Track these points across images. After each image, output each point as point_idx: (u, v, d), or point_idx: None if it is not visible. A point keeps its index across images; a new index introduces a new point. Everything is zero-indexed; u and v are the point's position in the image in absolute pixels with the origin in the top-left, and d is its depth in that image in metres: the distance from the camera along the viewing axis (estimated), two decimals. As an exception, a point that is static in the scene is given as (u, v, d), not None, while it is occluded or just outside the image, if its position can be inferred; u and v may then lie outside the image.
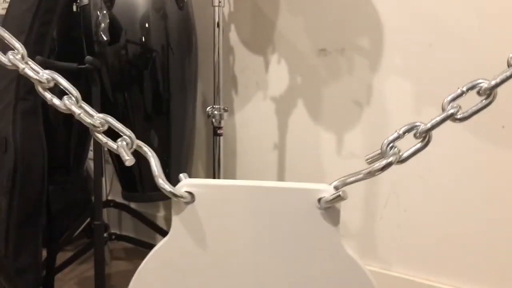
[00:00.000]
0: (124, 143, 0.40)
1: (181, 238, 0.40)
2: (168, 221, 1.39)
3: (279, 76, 1.14)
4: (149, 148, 0.41)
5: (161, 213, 1.43)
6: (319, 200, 0.39)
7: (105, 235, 1.26)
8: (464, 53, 0.92)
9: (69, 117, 1.24)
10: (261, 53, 1.16)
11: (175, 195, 0.39)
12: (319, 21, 1.07)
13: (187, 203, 0.40)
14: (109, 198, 1.35)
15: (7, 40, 0.38)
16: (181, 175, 0.41)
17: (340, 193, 0.37)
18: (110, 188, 1.44)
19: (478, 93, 0.37)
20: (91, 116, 0.40)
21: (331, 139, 1.10)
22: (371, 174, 0.38)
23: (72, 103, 0.39)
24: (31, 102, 1.00)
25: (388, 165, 0.37)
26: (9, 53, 0.38)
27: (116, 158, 1.19)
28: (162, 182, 0.39)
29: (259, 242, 0.40)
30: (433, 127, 0.37)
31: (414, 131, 0.38)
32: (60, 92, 0.52)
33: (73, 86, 0.39)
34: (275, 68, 1.14)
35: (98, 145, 1.00)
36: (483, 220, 0.95)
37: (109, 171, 1.47)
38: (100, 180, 0.98)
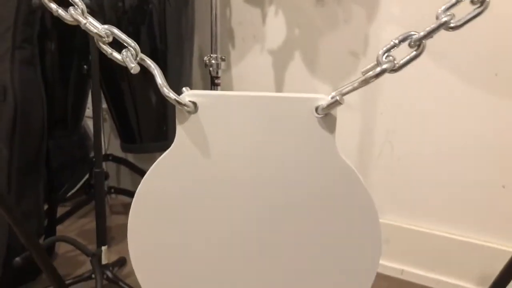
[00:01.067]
0: (129, 53, 0.41)
1: (185, 147, 0.42)
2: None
3: (277, 29, 1.14)
4: (151, 61, 0.42)
5: (159, 169, 1.44)
6: (317, 109, 0.41)
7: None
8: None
9: (66, 74, 1.23)
10: (258, 5, 1.15)
11: (180, 103, 0.40)
12: (316, -30, 1.07)
13: (191, 112, 0.41)
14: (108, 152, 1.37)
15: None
16: (183, 88, 0.43)
17: (337, 98, 0.39)
18: (108, 144, 1.45)
19: (472, 1, 0.38)
20: (96, 27, 0.41)
21: (327, 91, 1.11)
22: (365, 81, 0.40)
23: (78, 13, 0.40)
24: (28, 51, 1.00)
25: (383, 71, 0.39)
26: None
27: (115, 110, 1.20)
28: (167, 90, 0.40)
29: (259, 150, 0.42)
30: (427, 35, 0.38)
31: (409, 40, 0.40)
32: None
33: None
34: (272, 20, 1.14)
35: (97, 94, 1.01)
36: (475, 167, 0.98)
37: (107, 129, 1.48)
38: (100, 127, 0.99)
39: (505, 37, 0.90)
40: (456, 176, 1.00)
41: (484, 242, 0.99)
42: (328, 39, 1.08)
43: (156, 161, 0.43)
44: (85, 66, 1.19)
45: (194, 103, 0.41)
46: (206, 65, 1.02)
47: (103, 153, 1.35)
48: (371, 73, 0.39)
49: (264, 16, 1.15)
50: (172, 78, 1.16)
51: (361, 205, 0.42)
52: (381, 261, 1.09)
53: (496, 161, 0.96)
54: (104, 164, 1.35)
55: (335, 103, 0.39)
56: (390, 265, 1.09)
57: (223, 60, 1.02)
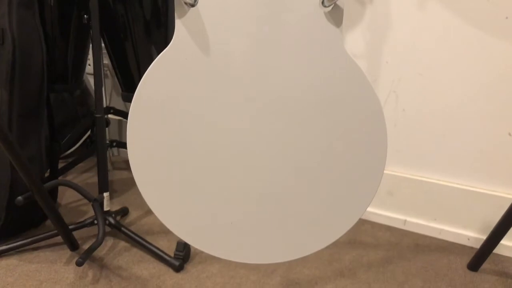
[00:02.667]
0: None
1: (185, 43, 0.41)
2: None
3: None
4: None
5: (161, 125, 1.44)
6: (323, 1, 0.39)
7: (106, 141, 1.28)
8: None
9: (66, 26, 1.21)
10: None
11: (178, -6, 0.39)
12: None
13: (189, 5, 0.40)
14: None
15: None
16: (184, -17, 0.41)
17: (344, -17, 0.37)
18: (110, 100, 1.44)
19: None
20: None
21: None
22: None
23: None
24: (26, -6, 0.98)
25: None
26: None
27: (116, 62, 1.18)
28: (165, -20, 0.38)
29: (262, 44, 0.40)
30: None
31: None
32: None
33: None
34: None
35: (97, 40, 0.99)
36: (481, 115, 0.96)
37: (108, 85, 1.47)
38: (100, 73, 0.97)
39: (517, -22, 0.87)
40: (462, 124, 0.98)
41: (488, 190, 0.98)
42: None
43: (156, 59, 0.41)
44: (85, 16, 1.17)
45: (194, -5, 0.40)
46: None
47: (105, 106, 1.34)
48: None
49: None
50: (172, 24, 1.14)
51: (367, 103, 0.41)
52: (383, 212, 1.09)
53: (502, 108, 0.94)
54: (106, 116, 1.35)
55: (342, -10, 0.37)
56: (393, 215, 1.09)
57: None
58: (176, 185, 0.44)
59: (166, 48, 0.42)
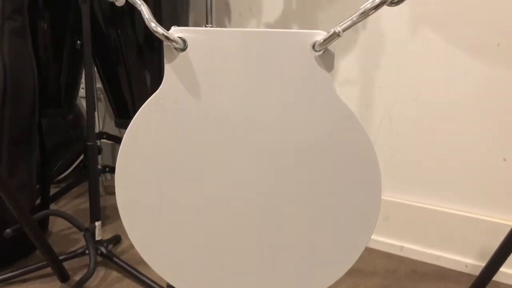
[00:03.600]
0: (115, -13, 0.39)
1: (174, 88, 0.40)
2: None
3: (274, 2, 1.11)
4: (139, -3, 0.40)
5: (155, 149, 1.42)
6: (314, 45, 0.39)
7: (99, 167, 1.27)
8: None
9: (59, 51, 1.21)
10: (255, -22, 1.13)
11: (168, 39, 0.38)
12: None
13: (179, 49, 0.39)
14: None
15: None
16: (172, 26, 0.41)
17: (335, 29, 0.37)
18: (103, 124, 1.43)
19: None
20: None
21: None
22: (365, 14, 0.37)
23: None
24: (19, 22, 0.98)
25: (382, 3, 0.37)
26: None
27: (109, 87, 1.17)
28: (155, 25, 0.38)
29: (253, 89, 0.39)
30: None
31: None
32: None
33: None
34: (269, -7, 1.12)
35: (89, 66, 0.98)
36: (476, 141, 0.96)
37: (102, 109, 1.46)
38: (93, 99, 0.97)
39: (507, 5, 0.88)
40: (456, 149, 0.98)
41: (485, 216, 0.97)
42: (327, 12, 1.06)
43: (145, 103, 0.41)
44: (78, 42, 1.17)
45: (183, 40, 0.39)
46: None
47: (98, 131, 1.33)
48: (369, 5, 0.37)
49: (261, -11, 1.13)
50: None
51: (359, 147, 0.40)
52: (380, 238, 1.08)
53: (496, 134, 0.94)
54: (98, 142, 1.34)
55: (333, 36, 0.37)
56: (390, 241, 1.07)
57: (219, 30, 0.99)
58: (165, 232, 0.43)
59: (156, 92, 0.41)
